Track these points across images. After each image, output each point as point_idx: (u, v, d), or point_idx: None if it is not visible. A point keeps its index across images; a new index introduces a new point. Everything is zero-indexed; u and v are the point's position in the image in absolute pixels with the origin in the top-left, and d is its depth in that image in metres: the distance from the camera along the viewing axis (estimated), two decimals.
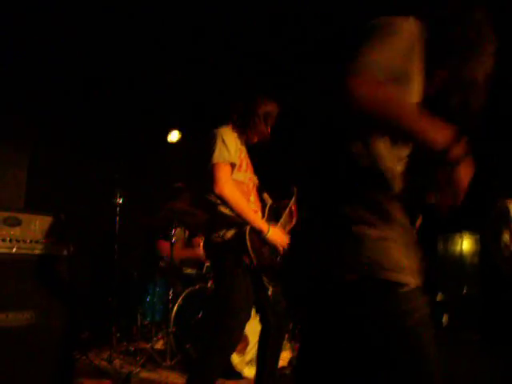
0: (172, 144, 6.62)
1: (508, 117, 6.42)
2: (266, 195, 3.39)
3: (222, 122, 3.21)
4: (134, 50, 5.57)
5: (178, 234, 4.99)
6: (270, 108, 3.26)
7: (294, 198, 3.53)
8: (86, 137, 5.86)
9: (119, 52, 5.49)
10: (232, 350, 3.08)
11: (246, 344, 4.25)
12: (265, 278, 3.09)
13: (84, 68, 5.55)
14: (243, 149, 3.22)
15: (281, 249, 3.15)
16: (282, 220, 3.39)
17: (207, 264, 5.34)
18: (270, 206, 3.33)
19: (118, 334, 4.62)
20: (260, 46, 5.49)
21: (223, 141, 3.01)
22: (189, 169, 6.10)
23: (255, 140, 3.30)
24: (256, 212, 3.13)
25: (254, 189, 3.25)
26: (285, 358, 4.67)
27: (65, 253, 3.67)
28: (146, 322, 4.91)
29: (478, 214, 5.02)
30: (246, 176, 3.17)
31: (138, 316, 4.81)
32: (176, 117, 6.58)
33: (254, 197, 3.21)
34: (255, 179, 3.28)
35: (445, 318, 8.39)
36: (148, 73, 5.96)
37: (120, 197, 4.59)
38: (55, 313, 3.53)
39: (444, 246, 9.13)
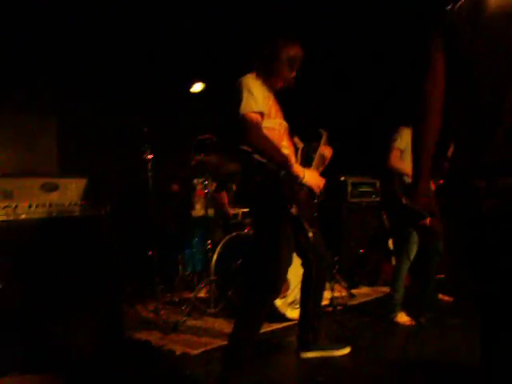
0: (196, 95, 6.57)
1: None
2: (296, 139, 3.35)
3: (246, 70, 3.14)
4: (155, 2, 5.51)
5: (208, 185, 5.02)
6: (294, 52, 3.18)
7: (323, 140, 3.49)
8: (110, 95, 5.87)
9: (140, 5, 5.44)
10: (276, 295, 3.13)
11: (288, 286, 4.33)
12: (305, 222, 3.09)
13: (104, 25, 5.52)
14: (270, 95, 3.17)
15: (318, 191, 3.16)
16: (314, 163, 3.37)
17: (242, 211, 5.38)
18: (302, 150, 3.31)
19: (162, 286, 4.73)
20: None
21: (249, 90, 2.96)
22: (217, 120, 6.10)
23: (281, 85, 3.23)
24: (290, 157, 3.10)
25: (286, 133, 3.22)
26: (326, 297, 4.75)
27: (102, 212, 3.73)
28: (187, 273, 5.03)
29: None
30: (276, 122, 3.14)
31: (180, 267, 4.91)
32: (198, 67, 6.52)
33: (286, 142, 3.18)
34: (285, 124, 3.24)
35: None
36: (169, 25, 5.90)
37: (150, 152, 4.60)
38: (100, 271, 3.63)
39: None
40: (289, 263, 3.08)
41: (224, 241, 4.78)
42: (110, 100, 5.84)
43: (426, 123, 2.01)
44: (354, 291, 5.61)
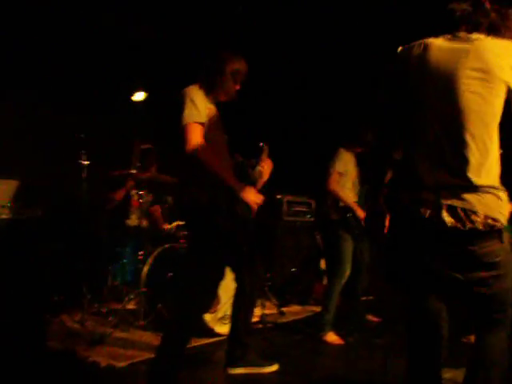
0: (137, 104, 6.50)
1: None
2: (236, 154, 3.39)
3: (189, 81, 3.14)
4: (99, 9, 5.43)
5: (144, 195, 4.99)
6: (238, 66, 3.21)
7: (264, 155, 3.49)
8: (49, 97, 5.72)
9: (85, 9, 5.35)
10: (206, 309, 3.13)
11: (218, 301, 4.30)
12: (240, 237, 3.07)
13: (42, 29, 5.39)
14: (212, 107, 3.16)
15: (255, 207, 3.12)
16: (254, 177, 3.38)
17: (176, 223, 5.34)
18: (241, 164, 3.34)
19: (89, 296, 4.61)
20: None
21: (192, 100, 2.97)
22: (158, 130, 6.05)
23: (224, 98, 3.24)
24: (229, 171, 3.11)
25: (226, 147, 3.22)
26: (256, 314, 4.75)
27: (33, 216, 3.61)
28: (116, 283, 4.92)
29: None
30: (217, 135, 3.13)
31: (109, 277, 4.80)
32: (141, 77, 6.46)
33: (225, 155, 3.19)
34: (225, 137, 3.25)
35: None
36: (113, 33, 5.83)
37: (86, 158, 4.51)
38: (25, 277, 3.50)
39: None
40: (221, 278, 3.09)
41: (156, 253, 4.71)
42: (48, 102, 5.68)
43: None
44: (284, 309, 5.63)
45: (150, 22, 5.82)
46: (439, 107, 2.00)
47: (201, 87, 3.12)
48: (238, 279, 3.40)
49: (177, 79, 3.38)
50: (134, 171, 4.78)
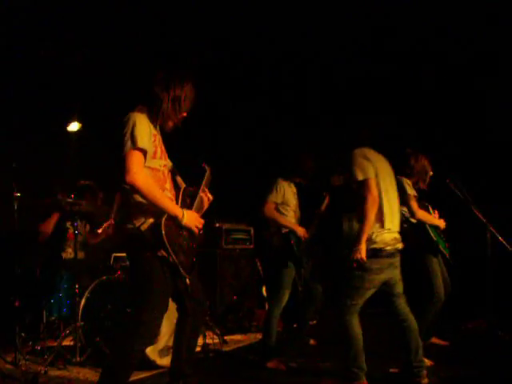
0: (72, 134, 6.41)
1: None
2: (179, 179, 3.29)
3: (125, 112, 3.04)
4: (32, 35, 5.36)
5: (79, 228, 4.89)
6: (179, 93, 3.07)
7: (205, 180, 3.40)
8: None
9: (21, 38, 5.27)
10: (148, 343, 3.03)
11: (159, 332, 4.21)
12: (182, 268, 2.94)
13: None
14: (157, 134, 3.07)
15: (196, 231, 3.05)
16: (195, 204, 3.25)
17: (114, 255, 5.23)
18: (184, 191, 3.22)
19: (23, 334, 4.42)
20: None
21: (134, 127, 2.87)
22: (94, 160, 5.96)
23: (170, 125, 3.13)
24: (171, 199, 3.03)
25: (169, 175, 3.14)
26: (198, 343, 4.67)
27: None
28: (52, 318, 4.74)
29: None
30: (161, 163, 3.04)
31: (44, 312, 4.62)
32: (76, 107, 6.38)
33: (169, 184, 3.11)
34: (170, 165, 3.17)
35: None
36: (48, 62, 5.75)
37: (18, 190, 4.36)
38: None
39: (349, 226, 9.42)
40: (164, 310, 2.98)
41: (93, 285, 4.59)
42: None
43: None
44: (226, 337, 5.57)
45: (86, 50, 5.76)
46: None
47: (144, 113, 3.01)
48: (180, 309, 3.29)
49: (112, 111, 3.33)
50: (64, 200, 4.64)
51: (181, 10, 5.73)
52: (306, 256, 4.76)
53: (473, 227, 5.39)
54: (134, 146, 2.82)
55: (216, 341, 5.11)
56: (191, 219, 3.01)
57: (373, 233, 3.68)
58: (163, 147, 3.13)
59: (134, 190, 2.83)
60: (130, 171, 2.79)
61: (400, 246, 3.80)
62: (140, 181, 2.80)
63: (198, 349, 4.62)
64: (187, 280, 3.02)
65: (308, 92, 7.23)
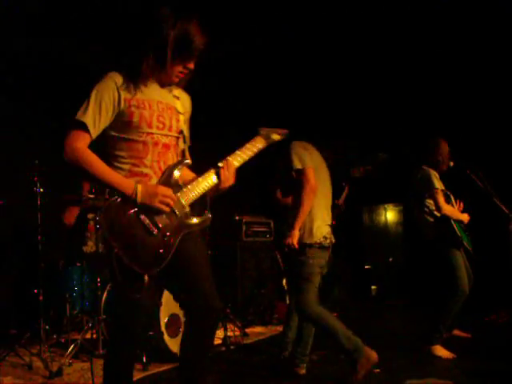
0: None
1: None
2: (186, 150, 2.61)
3: None
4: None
5: None
6: (186, 30, 2.39)
7: (247, 146, 2.66)
8: (2, 123, 5.61)
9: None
10: (128, 345, 2.50)
11: (179, 325, 4.25)
12: (135, 266, 2.26)
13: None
14: (154, 93, 2.48)
15: (165, 208, 2.34)
16: (194, 181, 2.50)
17: None
18: (174, 166, 2.48)
19: (47, 327, 4.49)
20: None
21: (95, 95, 2.37)
22: None
23: (172, 80, 2.51)
24: (147, 176, 2.40)
25: (163, 149, 2.46)
26: (219, 336, 4.71)
27: None
28: (75, 312, 4.80)
29: (399, 186, 5.19)
30: (146, 131, 2.41)
31: (67, 306, 4.68)
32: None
33: (156, 157, 2.44)
34: (171, 138, 2.51)
35: (373, 288, 8.67)
36: (66, 59, 5.81)
37: (41, 185, 4.42)
38: None
39: (369, 218, 9.42)
40: (133, 313, 2.42)
41: None
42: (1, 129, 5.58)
43: None
44: (247, 330, 5.60)
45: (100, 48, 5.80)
46: None
47: (120, 73, 2.44)
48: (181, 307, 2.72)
49: None
50: (87, 196, 4.70)
51: None
52: None
53: (495, 219, 5.33)
54: (78, 117, 2.34)
55: (237, 333, 5.14)
56: (149, 194, 2.31)
57: (317, 226, 3.83)
58: (167, 111, 2.50)
59: (70, 167, 2.31)
60: (64, 146, 2.33)
61: (333, 239, 3.99)
62: (73, 156, 2.30)
63: (219, 341, 4.66)
64: (145, 277, 2.28)
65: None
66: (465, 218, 4.65)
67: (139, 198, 2.29)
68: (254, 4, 5.90)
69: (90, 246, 5.17)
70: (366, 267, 8.73)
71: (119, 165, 2.40)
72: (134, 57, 2.45)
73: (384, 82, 6.98)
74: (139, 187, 2.30)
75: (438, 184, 4.50)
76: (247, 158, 2.61)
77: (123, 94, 2.38)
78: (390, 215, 9.23)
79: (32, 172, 4.40)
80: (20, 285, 5.14)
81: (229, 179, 2.51)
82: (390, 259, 8.87)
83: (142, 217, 2.31)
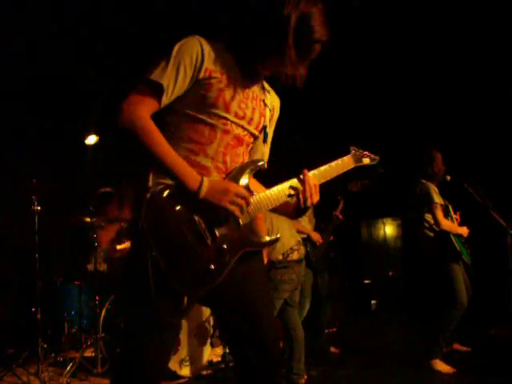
0: (90, 147, 6.49)
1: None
2: (261, 149, 2.19)
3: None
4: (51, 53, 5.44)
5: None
6: (310, 10, 1.87)
7: (333, 163, 2.19)
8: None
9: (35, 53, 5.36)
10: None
11: (179, 341, 4.24)
12: (175, 281, 1.77)
13: None
14: (243, 81, 1.99)
15: (237, 211, 1.84)
16: (270, 191, 2.01)
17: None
18: (250, 165, 2.00)
19: (45, 345, 4.46)
20: None
21: (176, 53, 1.87)
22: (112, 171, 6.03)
23: (291, 71, 1.94)
24: (206, 169, 1.90)
25: (239, 139, 2.00)
26: (218, 353, 4.68)
27: None
28: (73, 330, 4.78)
29: (398, 200, 5.20)
30: (224, 116, 1.92)
31: (66, 324, 4.66)
32: (93, 120, 6.46)
33: (222, 148, 1.94)
34: (247, 133, 2.03)
35: (373, 303, 8.65)
36: (63, 77, 5.83)
37: (38, 203, 4.43)
38: None
39: (367, 232, 9.42)
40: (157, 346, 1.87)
41: (113, 297, 4.62)
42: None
43: None
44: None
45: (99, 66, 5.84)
46: None
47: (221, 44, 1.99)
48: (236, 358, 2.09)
49: None
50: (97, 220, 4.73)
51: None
52: (321, 263, 4.76)
53: (493, 232, 5.34)
54: (154, 77, 1.85)
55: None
56: (217, 191, 1.82)
57: (281, 242, 3.95)
58: (253, 101, 2.03)
59: (126, 137, 1.83)
60: (122, 110, 1.83)
61: (303, 251, 4.13)
62: (132, 125, 1.80)
63: (218, 358, 4.63)
64: (184, 300, 1.83)
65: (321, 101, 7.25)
66: (464, 231, 4.66)
67: (203, 193, 1.79)
68: None
69: (92, 264, 5.18)
70: (366, 282, 8.72)
71: (172, 147, 1.83)
72: (238, 33, 1.99)
73: (379, 94, 7.01)
74: (205, 181, 1.80)
75: (438, 199, 4.51)
76: (333, 176, 2.18)
77: (206, 63, 1.90)
78: (388, 229, 9.23)
79: (30, 190, 4.41)
80: (18, 303, 5.12)
81: (313, 196, 2.01)
82: (390, 273, 8.86)
83: (196, 218, 1.81)
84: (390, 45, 6.17)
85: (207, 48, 1.90)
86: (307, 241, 4.65)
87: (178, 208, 1.80)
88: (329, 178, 2.14)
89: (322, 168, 2.12)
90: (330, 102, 7.16)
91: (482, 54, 6.15)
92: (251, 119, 2.01)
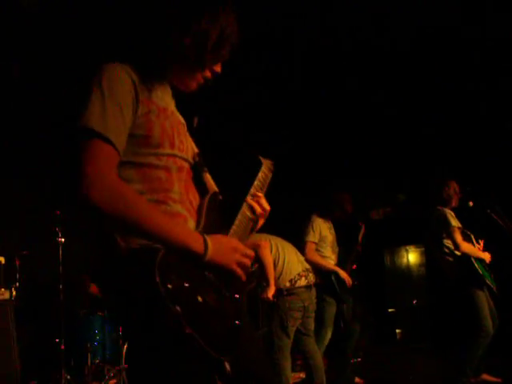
0: None
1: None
2: (208, 179, 1.85)
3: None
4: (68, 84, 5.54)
5: None
6: (215, 25, 1.69)
7: (258, 179, 1.99)
8: (24, 175, 5.73)
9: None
10: None
11: None
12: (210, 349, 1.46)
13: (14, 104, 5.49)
14: (169, 102, 1.76)
15: (240, 272, 1.64)
16: (236, 222, 1.83)
17: None
18: (211, 199, 1.76)
19: (69, 377, 4.47)
20: None
21: (109, 89, 1.54)
22: None
23: (194, 84, 1.79)
24: (185, 216, 1.65)
25: (189, 174, 1.74)
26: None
27: (7, 297, 3.55)
28: (96, 361, 4.79)
29: (420, 227, 5.18)
30: (168, 153, 1.65)
31: (89, 355, 4.67)
32: None
33: (184, 188, 1.69)
34: (190, 156, 1.76)
35: (398, 332, 8.54)
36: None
37: (62, 235, 4.49)
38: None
39: (391, 260, 9.33)
40: None
41: None
42: (23, 178, 5.70)
43: None
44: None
45: None
46: None
47: (129, 64, 1.65)
48: None
49: None
50: None
51: None
52: (346, 292, 4.72)
53: None
54: (92, 132, 1.49)
55: None
56: (224, 252, 1.60)
57: (287, 269, 4.00)
58: (181, 127, 1.76)
59: (94, 215, 1.49)
60: (85, 181, 1.43)
61: (312, 278, 4.12)
62: (104, 197, 1.43)
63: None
64: (226, 365, 1.55)
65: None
66: (486, 256, 4.59)
67: (208, 256, 1.54)
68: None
69: None
70: (390, 310, 8.60)
71: None
72: (154, 45, 1.69)
73: (399, 123, 7.02)
74: (209, 241, 1.56)
75: (454, 222, 4.47)
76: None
77: (140, 94, 1.61)
78: (411, 257, 9.13)
79: (53, 222, 4.48)
80: (41, 334, 5.14)
81: (265, 207, 1.90)
82: (414, 302, 8.73)
83: (208, 274, 1.58)
84: (401, 71, 6.23)
85: (133, 75, 1.61)
86: (332, 272, 4.63)
87: (186, 268, 1.52)
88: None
89: (255, 182, 1.96)
90: (352, 134, 7.22)
91: (496, 76, 6.16)
92: (188, 149, 1.75)
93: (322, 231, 4.69)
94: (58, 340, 4.36)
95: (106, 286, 1.62)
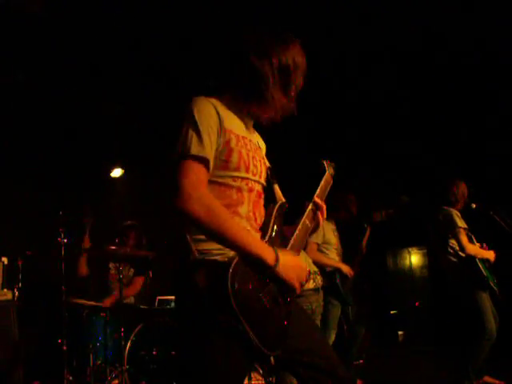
0: (115, 180, 6.58)
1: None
2: (276, 188, 2.12)
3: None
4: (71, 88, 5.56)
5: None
6: (287, 59, 1.97)
7: (321, 187, 2.22)
8: (27, 175, 5.75)
9: (63, 86, 5.50)
10: None
11: None
12: (261, 345, 1.74)
13: (22, 108, 5.50)
14: (248, 133, 2.05)
15: (298, 287, 1.89)
16: (297, 230, 2.04)
17: (159, 298, 5.28)
18: (280, 208, 2.05)
19: (71, 378, 4.47)
20: None
21: (195, 123, 1.84)
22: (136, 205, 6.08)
23: (267, 115, 2.02)
24: (252, 234, 1.91)
25: (259, 197, 2.02)
26: None
27: (9, 298, 3.55)
28: (98, 362, 4.78)
29: (423, 229, 5.17)
30: (244, 176, 1.94)
31: (91, 356, 4.67)
32: (118, 154, 6.56)
33: (252, 207, 1.97)
34: (262, 183, 2.05)
35: (400, 334, 8.52)
36: (89, 110, 5.95)
37: (65, 236, 4.49)
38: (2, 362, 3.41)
39: (393, 262, 9.31)
40: None
41: (138, 328, 4.62)
42: (26, 180, 5.71)
43: None
44: (272, 379, 5.49)
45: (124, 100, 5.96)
46: None
47: (224, 98, 1.99)
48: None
49: (152, 156, 3.36)
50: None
51: None
52: (351, 294, 4.72)
53: None
54: (195, 151, 1.81)
55: (261, 383, 5.05)
56: (291, 268, 1.86)
57: None
58: (258, 152, 2.05)
59: (187, 220, 1.80)
60: (184, 191, 1.75)
61: (320, 282, 4.09)
62: (195, 205, 1.74)
63: None
64: (271, 359, 1.84)
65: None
66: (491, 255, 4.58)
67: (278, 269, 1.80)
68: None
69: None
70: (392, 312, 8.58)
71: None
72: (235, 77, 1.99)
73: (403, 125, 7.01)
74: (281, 256, 1.81)
75: (461, 223, 4.46)
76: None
77: (224, 123, 1.90)
78: (414, 259, 9.12)
79: (56, 223, 4.48)
80: (44, 335, 5.15)
81: (324, 217, 2.14)
82: (417, 304, 8.72)
83: (267, 280, 1.82)
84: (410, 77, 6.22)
85: (218, 107, 1.91)
86: (337, 273, 4.62)
87: (252, 275, 1.78)
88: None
89: (318, 190, 2.19)
90: (355, 136, 7.20)
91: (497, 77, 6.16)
92: (261, 172, 2.03)
93: (326, 233, 4.68)
94: (60, 341, 4.36)
95: (180, 281, 1.88)
